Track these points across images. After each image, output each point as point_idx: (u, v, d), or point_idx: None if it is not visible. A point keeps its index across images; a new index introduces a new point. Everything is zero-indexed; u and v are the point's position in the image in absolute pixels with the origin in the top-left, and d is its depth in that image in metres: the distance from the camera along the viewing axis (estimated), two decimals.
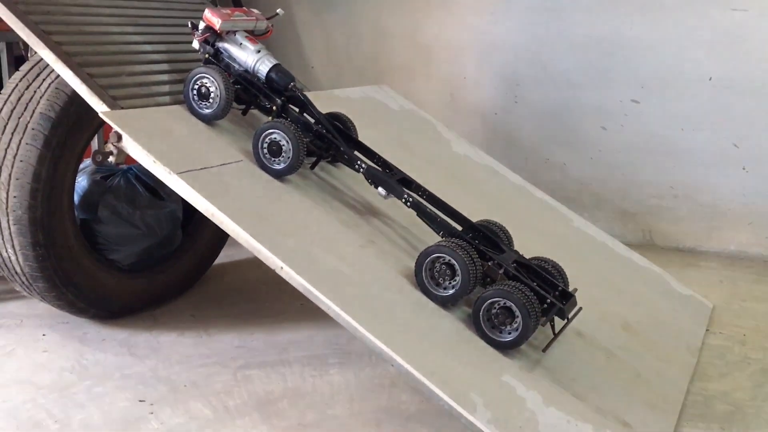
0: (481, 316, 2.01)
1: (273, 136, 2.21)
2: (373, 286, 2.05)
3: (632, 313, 2.61)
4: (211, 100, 2.27)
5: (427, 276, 2.08)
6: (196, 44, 2.37)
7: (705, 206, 3.80)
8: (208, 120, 2.30)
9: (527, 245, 2.37)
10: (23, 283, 2.59)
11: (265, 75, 2.34)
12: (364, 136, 2.53)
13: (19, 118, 2.45)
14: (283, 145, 2.20)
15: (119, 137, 2.05)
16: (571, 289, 2.19)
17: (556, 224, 3.06)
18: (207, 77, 2.25)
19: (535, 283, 2.09)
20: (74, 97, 2.41)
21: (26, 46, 3.80)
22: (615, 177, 3.97)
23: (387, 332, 1.86)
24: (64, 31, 2.32)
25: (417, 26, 4.34)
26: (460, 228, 2.25)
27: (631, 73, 3.81)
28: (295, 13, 4.65)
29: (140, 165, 2.07)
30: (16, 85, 2.52)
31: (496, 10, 4.09)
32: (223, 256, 3.34)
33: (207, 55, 2.36)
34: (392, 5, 4.37)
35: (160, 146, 2.08)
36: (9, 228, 2.44)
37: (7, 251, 2.50)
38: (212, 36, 2.35)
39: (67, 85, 2.33)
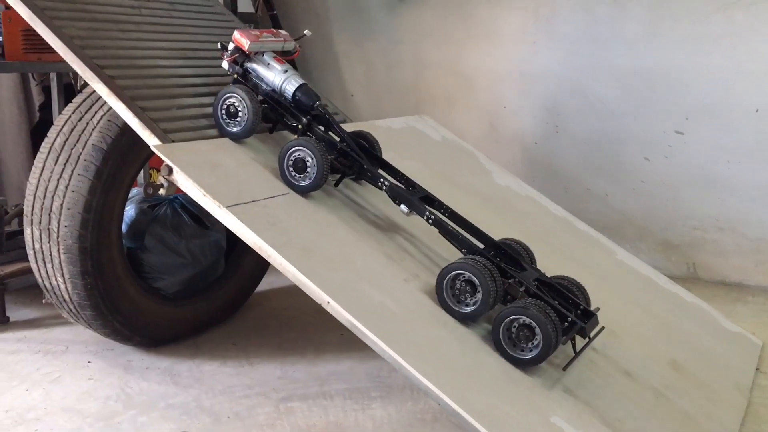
0: (501, 333, 2.01)
1: (298, 153, 2.25)
2: (418, 321, 2.04)
3: (680, 351, 2.56)
4: (239, 119, 2.33)
5: (448, 292, 2.10)
6: (225, 65, 2.44)
7: (751, 240, 3.73)
8: (236, 138, 2.36)
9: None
10: (71, 310, 2.63)
11: (291, 94, 2.39)
12: (405, 167, 2.54)
13: (72, 149, 2.50)
14: (308, 161, 2.24)
15: (170, 170, 2.09)
16: (593, 308, 2.18)
17: (600, 257, 3.02)
18: (235, 96, 2.31)
19: (556, 302, 2.09)
20: (125, 129, 2.46)
21: (75, 74, 3.91)
22: (658, 208, 3.91)
23: (433, 370, 1.84)
24: (117, 65, 2.37)
25: (457, 55, 4.35)
26: (482, 246, 2.27)
27: (675, 103, 3.77)
28: (336, 43, 4.70)
29: (186, 194, 2.10)
30: (69, 116, 2.58)
31: (538, 39, 4.09)
32: (264, 283, 3.36)
33: (236, 75, 2.43)
34: (433, 35, 4.40)
35: (209, 179, 2.11)
36: (59, 257, 2.49)
37: (56, 279, 2.55)
38: (241, 57, 2.41)
39: (118, 117, 2.39)
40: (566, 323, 2.06)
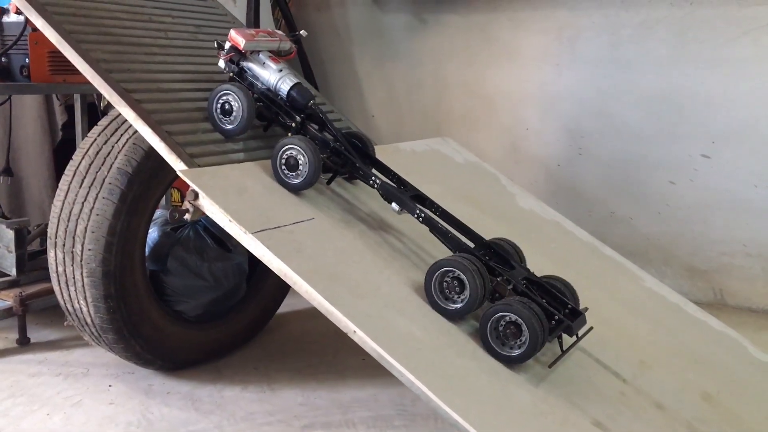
0: (488, 330, 2.01)
1: (290, 151, 2.26)
2: (446, 351, 2.00)
3: (711, 382, 2.50)
4: (233, 117, 2.34)
5: (436, 289, 2.10)
6: (221, 63, 2.45)
7: None
8: (230, 135, 2.37)
9: (597, 306, 2.32)
10: (92, 333, 2.61)
11: (286, 93, 2.41)
12: (429, 190, 2.52)
13: (97, 172, 2.50)
14: (300, 160, 2.25)
15: (196, 195, 2.07)
16: (581, 308, 2.18)
17: (627, 283, 2.97)
18: (230, 94, 2.33)
19: (544, 300, 2.10)
20: (150, 153, 2.46)
21: (99, 94, 3.93)
22: (684, 233, 3.85)
23: (463, 403, 1.80)
24: (144, 89, 2.37)
25: (479, 77, 4.34)
26: (472, 245, 2.28)
27: (701, 127, 3.72)
28: (358, 64, 4.70)
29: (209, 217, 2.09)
30: (95, 139, 2.58)
31: (561, 61, 4.07)
32: (285, 305, 3.33)
33: (231, 74, 2.45)
34: (455, 56, 4.39)
35: (236, 205, 2.09)
36: (82, 280, 2.48)
37: (78, 302, 2.54)
38: (237, 55, 2.43)
39: (143, 140, 2.38)
40: (553, 321, 2.06)
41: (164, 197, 3.32)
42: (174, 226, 2.92)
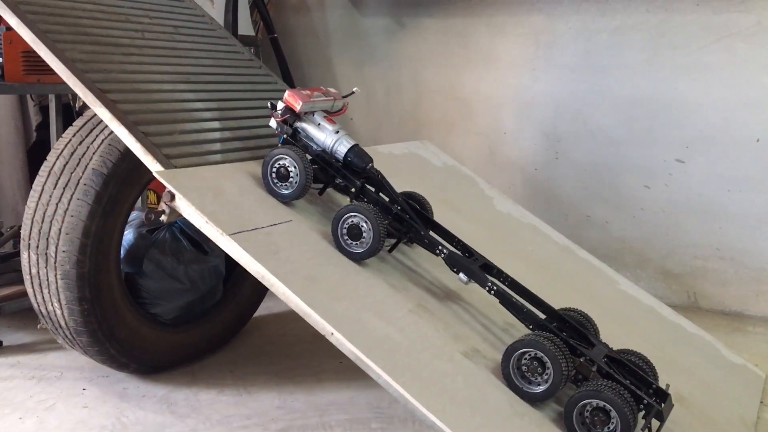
0: (574, 418, 1.91)
1: (353, 219, 2.17)
2: (423, 353, 2.01)
3: (684, 384, 2.53)
4: (290, 181, 2.24)
5: (514, 373, 2.00)
6: (273, 123, 2.36)
7: (752, 269, 3.72)
8: (287, 200, 2.28)
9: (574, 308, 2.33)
10: (66, 336, 2.58)
11: (343, 156, 2.32)
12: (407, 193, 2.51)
13: (72, 173, 2.47)
14: (363, 227, 2.16)
15: (172, 197, 2.05)
16: (663, 385, 2.10)
17: (602, 286, 3.00)
18: (287, 158, 2.23)
19: (628, 381, 1.99)
20: (126, 154, 2.44)
21: (74, 95, 3.89)
22: (658, 237, 3.90)
23: (440, 405, 1.81)
24: (120, 89, 2.34)
25: (457, 81, 4.36)
26: (543, 316, 2.19)
27: (675, 132, 3.77)
28: (336, 66, 4.71)
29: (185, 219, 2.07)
30: (69, 140, 2.55)
31: (537, 66, 4.10)
32: (262, 308, 3.32)
33: (285, 135, 2.35)
34: (432, 60, 4.41)
35: (212, 206, 2.08)
36: (56, 282, 2.45)
37: (52, 305, 2.51)
38: (291, 117, 2.35)
39: (119, 141, 2.36)
40: (642, 405, 1.96)
41: (140, 199, 3.30)
42: (150, 228, 2.89)
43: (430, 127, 4.46)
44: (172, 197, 2.06)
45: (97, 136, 2.52)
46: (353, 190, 2.32)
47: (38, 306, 2.60)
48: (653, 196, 3.88)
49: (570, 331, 2.14)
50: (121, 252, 2.69)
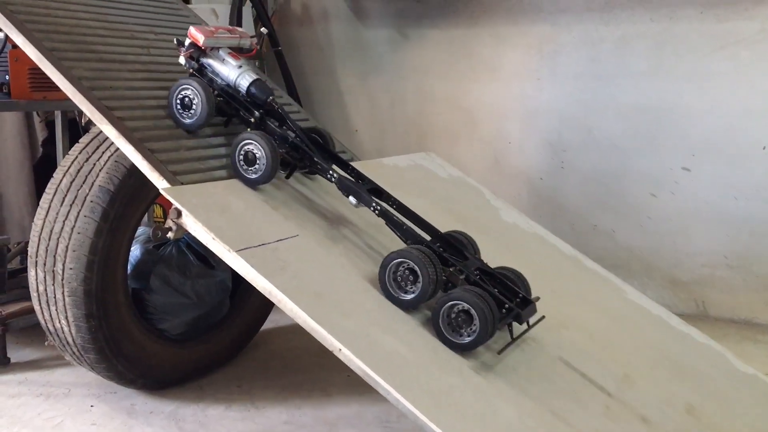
0: (441, 319, 2.07)
1: (248, 146, 2.29)
2: (432, 368, 2.00)
3: (695, 395, 2.51)
4: (192, 111, 2.37)
5: (390, 281, 2.14)
6: (182, 59, 2.48)
7: (761, 277, 3.70)
8: (190, 129, 2.40)
9: (581, 319, 2.32)
10: (74, 353, 2.58)
11: (245, 89, 2.44)
12: (413, 205, 2.52)
13: (78, 190, 2.48)
14: (258, 154, 2.28)
15: (179, 213, 2.06)
16: (533, 297, 2.25)
17: (610, 296, 2.98)
18: (190, 88, 2.36)
19: (496, 290, 2.17)
20: (132, 171, 2.44)
21: (80, 111, 3.90)
22: (665, 245, 3.89)
23: (449, 420, 1.80)
24: (126, 106, 2.35)
25: (461, 90, 4.36)
26: (428, 238, 2.32)
27: (681, 140, 3.76)
28: (340, 78, 4.71)
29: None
30: (76, 157, 2.56)
31: (542, 75, 4.10)
32: (268, 321, 3.31)
33: (191, 70, 2.47)
34: (436, 70, 4.41)
35: (219, 222, 2.08)
36: (63, 299, 2.45)
37: (60, 322, 2.51)
38: (197, 52, 2.46)
39: (125, 158, 2.36)
40: (504, 310, 2.14)
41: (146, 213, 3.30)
42: (156, 243, 2.89)
43: (434, 137, 4.46)
44: (179, 214, 2.06)
45: (103, 153, 2.53)
46: (252, 120, 2.43)
47: (46, 323, 2.60)
48: (660, 205, 3.87)
49: (449, 248, 2.30)
50: (128, 268, 2.69)
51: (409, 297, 2.13)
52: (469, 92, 4.34)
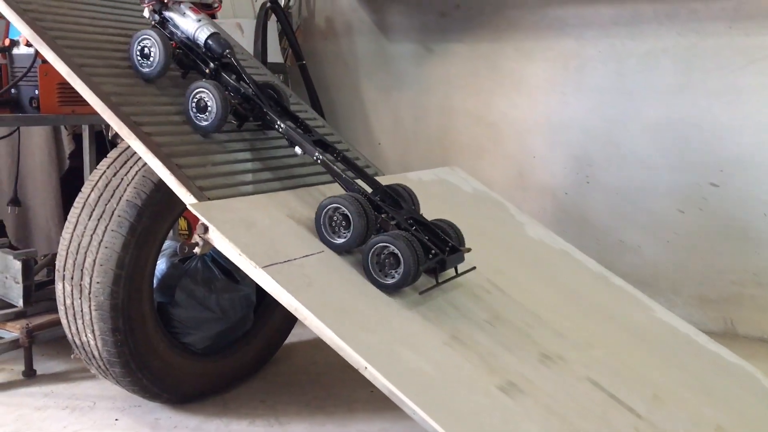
0: (370, 260, 2.17)
1: (200, 94, 2.38)
2: (458, 387, 1.98)
3: (725, 417, 2.46)
4: (150, 60, 2.47)
5: (325, 226, 2.24)
6: (146, 12, 2.57)
7: None
8: (147, 79, 2.50)
9: (609, 338, 2.28)
10: (100, 367, 2.59)
11: (203, 42, 2.52)
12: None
13: (106, 204, 2.49)
14: (209, 102, 2.36)
15: (206, 229, 2.06)
16: (465, 248, 2.36)
17: (638, 314, 2.94)
18: (149, 39, 2.45)
19: (426, 238, 2.26)
20: (159, 185, 2.46)
21: (107, 125, 3.94)
22: (693, 262, 3.83)
23: None
24: (154, 121, 2.37)
25: (485, 105, 4.35)
26: (370, 190, 2.43)
27: (709, 155, 3.72)
28: (364, 92, 4.72)
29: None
30: (104, 171, 2.58)
31: (567, 90, 4.07)
32: (292, 335, 3.30)
33: (153, 23, 2.56)
34: (461, 85, 4.40)
35: (245, 238, 2.08)
36: (90, 313, 2.47)
37: (86, 336, 2.52)
38: (159, 5, 2.56)
39: (153, 173, 2.37)
40: (430, 256, 2.23)
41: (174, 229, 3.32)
42: (182, 257, 2.91)
43: (458, 151, 4.45)
44: (206, 230, 2.07)
45: (131, 168, 2.55)
46: (207, 71, 2.52)
47: (72, 336, 2.62)
48: (687, 221, 3.81)
49: (386, 198, 2.40)
50: (154, 282, 2.70)
51: (340, 241, 2.22)
52: (494, 106, 4.32)
